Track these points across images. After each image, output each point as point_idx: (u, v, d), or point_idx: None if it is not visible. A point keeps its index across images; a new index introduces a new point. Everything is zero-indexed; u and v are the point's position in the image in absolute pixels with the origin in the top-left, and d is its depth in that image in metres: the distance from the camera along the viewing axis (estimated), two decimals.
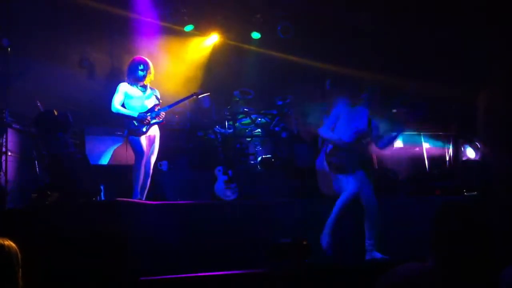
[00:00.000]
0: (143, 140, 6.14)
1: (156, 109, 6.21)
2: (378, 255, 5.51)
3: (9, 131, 6.39)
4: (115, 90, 6.17)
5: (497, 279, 2.20)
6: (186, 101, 8.08)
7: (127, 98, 6.18)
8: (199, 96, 6.84)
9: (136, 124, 6.10)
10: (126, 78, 6.27)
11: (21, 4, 7.35)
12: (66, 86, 7.54)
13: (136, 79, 6.23)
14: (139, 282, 4.22)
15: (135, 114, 6.11)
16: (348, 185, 5.63)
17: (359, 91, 5.93)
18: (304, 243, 5.02)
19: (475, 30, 7.70)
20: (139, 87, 6.25)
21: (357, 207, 5.72)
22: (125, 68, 6.32)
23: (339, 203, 5.62)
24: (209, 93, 7.08)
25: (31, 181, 6.27)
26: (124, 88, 6.18)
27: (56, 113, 6.56)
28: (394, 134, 5.91)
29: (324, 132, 5.93)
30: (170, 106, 6.44)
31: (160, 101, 6.35)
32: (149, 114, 6.16)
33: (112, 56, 8.16)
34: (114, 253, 3.98)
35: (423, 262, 2.26)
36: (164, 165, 7.47)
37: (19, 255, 2.46)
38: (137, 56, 6.38)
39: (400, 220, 6.04)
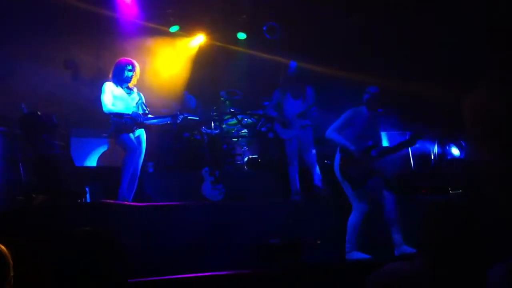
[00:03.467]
0: (133, 137, 6.12)
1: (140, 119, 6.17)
2: (407, 249, 5.42)
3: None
4: (100, 91, 6.12)
5: (485, 277, 2.21)
6: (173, 102, 8.09)
7: (113, 98, 6.14)
8: (179, 119, 6.62)
9: (125, 123, 6.05)
10: (111, 78, 6.21)
11: (6, 4, 7.28)
12: (51, 87, 7.46)
13: (122, 80, 6.19)
14: (127, 284, 4.19)
15: (130, 112, 6.09)
16: (359, 202, 5.60)
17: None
18: (293, 243, 5.03)
19: (463, 29, 7.77)
20: (124, 89, 6.22)
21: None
22: (111, 68, 6.27)
23: (357, 217, 5.60)
24: (197, 118, 7.03)
25: (16, 183, 6.20)
26: (110, 87, 6.13)
27: (40, 114, 6.50)
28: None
29: (334, 136, 5.72)
30: (152, 119, 6.37)
31: (147, 108, 6.33)
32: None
33: (98, 57, 8.10)
34: (100, 255, 3.95)
35: (411, 260, 2.27)
36: (150, 166, 7.44)
37: (10, 258, 2.42)
38: (123, 58, 6.34)
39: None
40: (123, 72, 6.17)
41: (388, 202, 5.53)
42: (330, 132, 5.74)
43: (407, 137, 5.80)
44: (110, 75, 6.21)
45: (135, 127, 6.11)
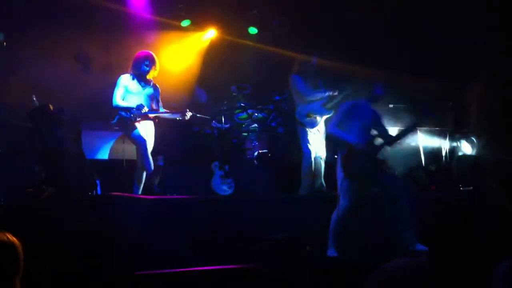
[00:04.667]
0: (141, 131, 6.18)
1: (143, 110, 6.21)
2: (420, 246, 5.27)
3: (4, 125, 6.39)
4: (110, 84, 6.20)
5: (490, 274, 2.20)
6: (184, 96, 8.10)
7: (126, 92, 6.22)
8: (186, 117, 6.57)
9: (129, 115, 6.12)
10: (130, 71, 6.31)
11: None
12: (62, 80, 7.50)
13: (139, 74, 6.28)
14: (134, 277, 4.22)
15: (134, 106, 6.14)
16: (347, 193, 5.48)
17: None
18: (300, 239, 5.02)
19: (468, 27, 7.74)
20: (140, 83, 6.30)
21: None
22: (123, 62, 6.37)
23: (339, 213, 5.52)
24: (208, 117, 7.09)
25: (26, 176, 6.26)
26: (124, 82, 6.23)
27: (51, 107, 6.55)
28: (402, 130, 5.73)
29: (336, 131, 5.61)
30: (159, 113, 6.44)
31: (159, 102, 6.41)
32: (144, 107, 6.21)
33: (108, 51, 8.10)
34: (108, 247, 3.97)
35: (417, 257, 2.27)
36: (160, 159, 7.46)
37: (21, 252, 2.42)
38: (143, 51, 6.43)
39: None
40: (140, 66, 6.27)
41: (402, 200, 5.39)
42: (332, 127, 5.66)
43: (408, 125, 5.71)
44: (131, 67, 6.32)
45: (139, 118, 6.16)
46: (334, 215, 5.55)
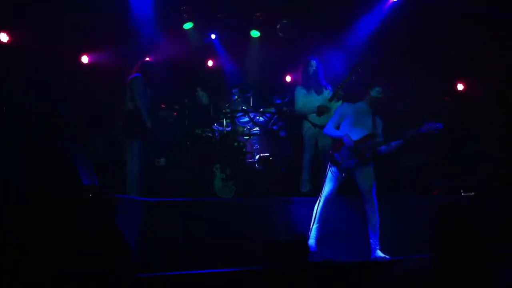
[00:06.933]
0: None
1: None
2: (380, 254, 5.50)
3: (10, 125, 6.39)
4: (119, 86, 6.32)
5: (496, 279, 2.19)
6: (185, 99, 8.11)
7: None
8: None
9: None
10: (139, 73, 6.47)
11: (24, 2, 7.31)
12: (68, 81, 7.50)
13: (150, 79, 6.52)
14: (135, 279, 4.20)
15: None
16: (329, 181, 5.76)
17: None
18: (302, 241, 5.02)
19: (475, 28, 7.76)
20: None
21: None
22: (132, 65, 6.54)
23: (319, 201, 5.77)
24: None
25: (30, 176, 6.24)
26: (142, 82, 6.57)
27: (56, 108, 6.55)
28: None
29: (329, 131, 5.98)
30: None
31: None
32: None
33: (111, 53, 8.08)
34: (109, 249, 3.96)
35: (422, 260, 2.26)
36: (162, 161, 7.46)
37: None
38: (147, 58, 6.64)
39: (398, 220, 6.06)
40: (150, 71, 6.48)
41: (370, 210, 5.69)
42: (326, 128, 6.01)
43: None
44: (139, 72, 6.48)
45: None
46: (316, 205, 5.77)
